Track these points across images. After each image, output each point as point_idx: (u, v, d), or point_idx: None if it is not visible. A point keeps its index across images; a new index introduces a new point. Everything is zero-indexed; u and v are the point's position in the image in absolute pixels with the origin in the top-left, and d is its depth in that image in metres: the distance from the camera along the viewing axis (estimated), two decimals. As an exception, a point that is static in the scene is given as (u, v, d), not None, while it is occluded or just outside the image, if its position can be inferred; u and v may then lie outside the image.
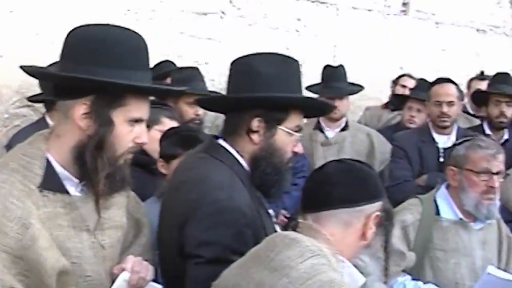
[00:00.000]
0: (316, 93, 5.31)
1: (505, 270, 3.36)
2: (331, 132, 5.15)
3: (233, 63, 2.48)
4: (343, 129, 5.16)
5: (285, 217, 4.75)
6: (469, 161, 3.29)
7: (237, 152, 2.41)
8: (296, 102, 2.45)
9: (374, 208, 2.15)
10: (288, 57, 2.48)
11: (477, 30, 9.03)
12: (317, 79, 5.33)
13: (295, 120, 2.42)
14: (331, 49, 7.39)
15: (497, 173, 3.26)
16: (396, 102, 6.64)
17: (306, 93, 5.39)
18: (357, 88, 5.42)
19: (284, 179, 2.44)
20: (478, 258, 3.32)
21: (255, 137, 2.38)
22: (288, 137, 2.41)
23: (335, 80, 5.15)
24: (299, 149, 2.48)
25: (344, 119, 5.16)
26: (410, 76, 6.86)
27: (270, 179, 2.39)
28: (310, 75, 5.51)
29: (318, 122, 5.17)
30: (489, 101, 4.99)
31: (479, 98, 5.25)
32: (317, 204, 2.15)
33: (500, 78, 5.27)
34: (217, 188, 2.29)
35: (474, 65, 7.64)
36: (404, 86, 6.74)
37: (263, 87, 2.35)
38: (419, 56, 7.96)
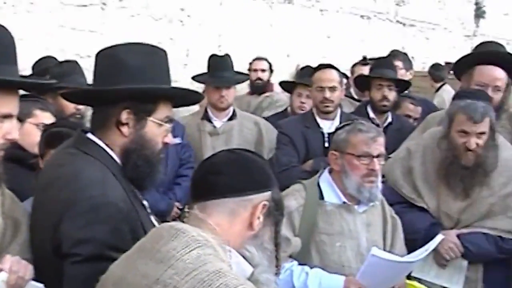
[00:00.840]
0: (203, 83, 5.27)
1: (390, 251, 3.42)
2: (218, 122, 5.11)
3: (98, 54, 2.41)
4: (230, 118, 5.13)
5: (178, 208, 4.72)
6: (349, 145, 3.31)
7: (107, 145, 2.35)
8: (163, 92, 2.40)
9: (262, 198, 2.12)
10: (155, 47, 2.43)
11: (361, 16, 9.21)
12: (203, 69, 5.28)
13: (164, 111, 2.38)
14: (216, 38, 7.35)
15: (377, 156, 3.29)
16: (255, 87, 6.76)
17: (193, 84, 5.37)
18: (243, 77, 5.40)
19: (156, 171, 2.40)
20: (363, 240, 3.35)
21: (124, 129, 2.33)
22: (159, 128, 2.37)
23: (221, 69, 5.11)
24: (169, 140, 2.43)
25: (231, 108, 5.14)
26: (260, 58, 6.98)
27: (142, 172, 2.35)
28: (196, 65, 5.45)
29: (206, 112, 5.13)
30: (371, 85, 5.07)
31: (361, 83, 5.33)
32: (203, 194, 2.11)
33: (381, 62, 5.38)
34: (91, 185, 2.23)
35: (359, 51, 7.78)
36: (256, 70, 6.87)
37: (130, 78, 2.30)
38: (304, 43, 8.05)
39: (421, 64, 10.09)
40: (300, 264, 3.31)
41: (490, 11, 12.78)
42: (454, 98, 3.78)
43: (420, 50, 10.51)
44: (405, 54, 6.61)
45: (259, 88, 6.86)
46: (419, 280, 3.61)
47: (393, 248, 3.47)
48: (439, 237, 3.47)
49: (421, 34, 10.69)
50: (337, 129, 3.49)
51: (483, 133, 3.58)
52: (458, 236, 3.67)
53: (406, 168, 3.84)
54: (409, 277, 3.58)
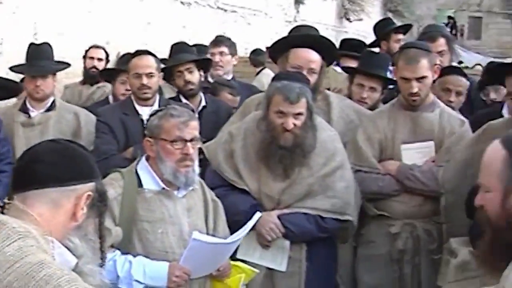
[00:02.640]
0: (21, 73, 5.03)
1: (213, 235, 3.45)
2: (35, 113, 4.90)
3: None
4: (49, 109, 4.94)
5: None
6: (162, 131, 3.29)
7: None
8: None
9: (85, 189, 2.10)
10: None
11: (182, 3, 9.16)
12: (20, 58, 5.05)
13: None
14: (31, 26, 7.01)
15: (191, 140, 3.30)
16: (89, 76, 6.57)
17: (9, 74, 5.09)
18: (62, 66, 5.20)
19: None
20: (185, 225, 3.35)
21: None
22: None
23: (38, 58, 4.94)
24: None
25: (50, 99, 4.96)
26: (97, 47, 6.79)
27: None
28: (11, 54, 5.17)
29: (24, 103, 4.94)
30: (173, 73, 5.09)
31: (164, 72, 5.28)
32: (24, 184, 2.06)
33: (177, 48, 5.35)
34: None
35: (181, 37, 7.68)
36: (92, 58, 6.68)
37: None
38: (125, 30, 7.88)
39: (243, 50, 10.23)
40: (123, 253, 3.26)
41: (309, -3, 13.24)
42: (272, 80, 3.84)
43: (242, 36, 10.65)
44: (230, 39, 6.65)
45: (93, 77, 6.59)
46: (244, 262, 3.64)
47: (215, 231, 3.50)
48: (256, 216, 3.52)
49: (243, 20, 10.84)
50: (150, 115, 3.45)
51: (300, 113, 3.65)
52: (279, 216, 3.73)
53: (228, 152, 3.86)
54: (235, 259, 3.61)
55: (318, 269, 3.84)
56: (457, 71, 5.01)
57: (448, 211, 3.95)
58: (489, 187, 2.21)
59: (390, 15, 18.96)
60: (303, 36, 4.25)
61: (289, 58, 4.14)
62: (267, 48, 8.37)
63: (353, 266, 4.29)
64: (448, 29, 21.88)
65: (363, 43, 6.17)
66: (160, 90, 4.87)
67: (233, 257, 3.59)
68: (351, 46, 5.76)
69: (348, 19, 15.72)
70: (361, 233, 4.24)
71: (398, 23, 11.25)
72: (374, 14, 15.01)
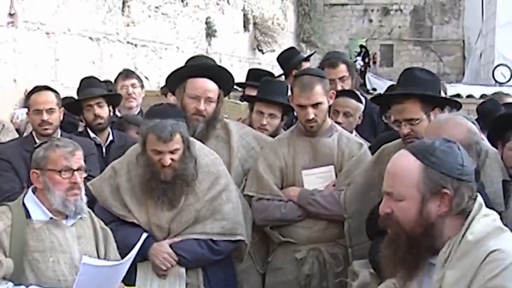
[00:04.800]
0: None
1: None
2: None
3: None
4: None
5: None
6: (49, 161, 3.35)
7: None
8: None
9: None
10: None
11: (90, 38, 9.07)
12: None
13: None
14: None
15: (77, 169, 3.37)
16: None
17: None
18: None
19: None
20: (76, 253, 3.38)
21: None
22: None
23: None
24: None
25: None
26: None
27: None
28: None
29: None
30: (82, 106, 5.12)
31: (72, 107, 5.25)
32: None
33: (87, 82, 5.36)
34: None
35: (91, 72, 7.55)
36: None
37: None
38: (32, 67, 7.75)
39: (156, 84, 10.19)
40: (15, 284, 3.26)
41: (220, 30, 13.30)
42: (146, 116, 3.85)
43: (153, 70, 10.62)
44: (134, 72, 6.63)
45: None
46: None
47: (107, 257, 3.53)
48: (142, 237, 3.52)
49: (154, 54, 10.81)
50: (34, 148, 3.48)
51: (176, 149, 3.68)
52: (171, 245, 3.74)
53: (114, 187, 3.87)
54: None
55: (217, 292, 3.87)
56: (348, 93, 5.07)
57: (352, 234, 4.03)
58: (404, 196, 2.36)
59: (303, 45, 19.29)
60: (199, 66, 4.27)
61: (186, 88, 4.16)
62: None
63: (262, 294, 4.30)
64: (361, 58, 22.49)
65: (270, 73, 6.22)
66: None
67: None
68: (258, 76, 5.80)
69: (261, 51, 15.87)
70: (268, 260, 4.28)
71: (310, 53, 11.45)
72: (287, 45, 15.21)
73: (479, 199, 2.42)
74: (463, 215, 2.37)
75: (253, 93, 5.25)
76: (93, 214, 3.59)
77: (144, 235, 3.57)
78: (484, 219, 2.36)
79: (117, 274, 3.41)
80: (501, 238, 2.31)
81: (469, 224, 2.34)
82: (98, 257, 3.49)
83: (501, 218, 2.48)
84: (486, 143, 4.31)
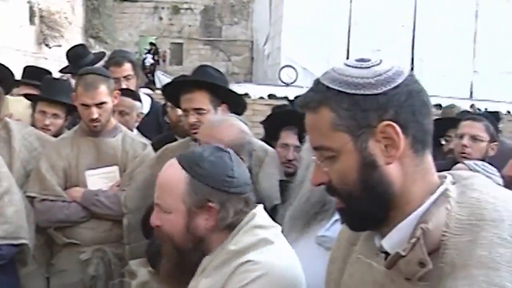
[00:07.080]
0: None
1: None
2: None
3: None
4: None
5: None
6: None
7: None
8: None
9: None
10: None
11: None
12: None
13: None
14: None
15: None
16: None
17: None
18: None
19: None
20: None
21: None
22: None
23: None
24: None
25: None
26: None
27: None
28: None
29: None
30: None
31: None
32: None
33: None
34: None
35: None
36: None
37: None
38: None
39: None
40: None
41: (3, 22, 12.73)
42: None
43: None
44: None
45: None
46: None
47: None
48: None
49: None
50: None
51: None
52: None
53: None
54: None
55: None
56: (124, 92, 4.86)
57: (130, 231, 4.03)
58: (170, 209, 2.24)
59: (91, 41, 18.95)
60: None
61: None
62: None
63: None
64: (151, 56, 22.58)
65: (46, 70, 5.98)
66: None
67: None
68: (33, 74, 5.58)
69: (47, 45, 15.37)
70: (52, 263, 4.19)
71: (100, 49, 11.30)
72: (75, 40, 14.89)
73: (255, 210, 2.31)
74: (232, 229, 2.25)
75: (29, 91, 5.05)
76: None
77: None
78: (253, 230, 2.24)
79: None
80: (263, 250, 2.20)
81: (234, 236, 2.24)
82: None
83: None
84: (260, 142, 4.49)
